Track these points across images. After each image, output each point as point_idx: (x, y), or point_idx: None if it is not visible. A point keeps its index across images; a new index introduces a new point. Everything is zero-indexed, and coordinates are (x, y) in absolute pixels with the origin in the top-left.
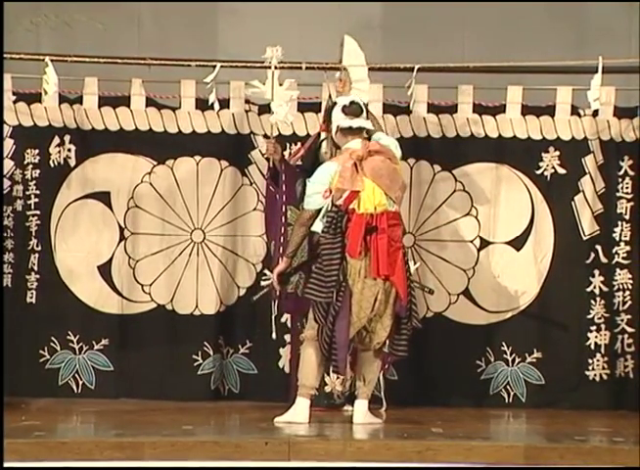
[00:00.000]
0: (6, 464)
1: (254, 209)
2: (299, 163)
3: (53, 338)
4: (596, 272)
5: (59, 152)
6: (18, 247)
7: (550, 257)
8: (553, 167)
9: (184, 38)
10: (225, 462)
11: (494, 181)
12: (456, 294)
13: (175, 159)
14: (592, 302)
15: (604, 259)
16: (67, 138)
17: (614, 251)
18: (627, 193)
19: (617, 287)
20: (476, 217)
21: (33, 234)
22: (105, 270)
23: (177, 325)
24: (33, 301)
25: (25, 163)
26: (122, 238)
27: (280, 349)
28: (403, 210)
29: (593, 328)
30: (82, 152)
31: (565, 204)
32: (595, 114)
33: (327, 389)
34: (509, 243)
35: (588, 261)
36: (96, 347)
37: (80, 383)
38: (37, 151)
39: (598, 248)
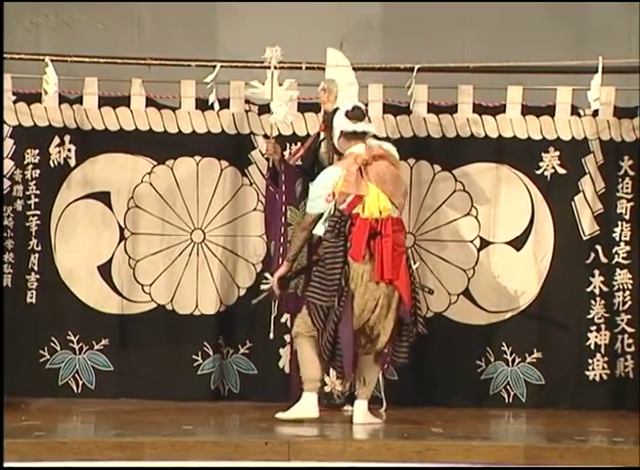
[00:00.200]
0: (6, 464)
1: (254, 209)
2: (299, 163)
3: (53, 338)
4: (596, 272)
5: (59, 152)
6: (18, 247)
7: (550, 257)
8: (553, 167)
9: (184, 38)
10: (225, 462)
11: (494, 181)
12: (456, 294)
13: (175, 159)
14: (592, 302)
15: (604, 259)
16: (67, 138)
17: (614, 251)
18: (627, 193)
19: (616, 287)
20: (476, 217)
21: (33, 234)
22: (105, 270)
23: (177, 325)
24: (33, 301)
25: (25, 163)
26: (122, 238)
27: (280, 349)
28: (403, 210)
29: (593, 328)
30: (82, 152)
31: (565, 204)
32: (595, 114)
33: (327, 389)
34: (509, 243)
35: (588, 261)
36: (96, 347)
37: (80, 383)
38: (37, 151)
39: (598, 248)
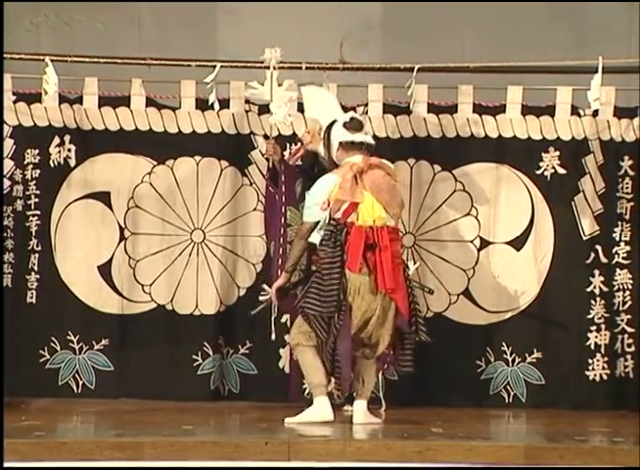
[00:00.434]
0: (6, 464)
1: (254, 209)
2: (299, 163)
3: (53, 338)
4: (596, 272)
5: (59, 152)
6: (18, 247)
7: (550, 257)
8: (553, 167)
9: (184, 38)
10: (225, 462)
11: (494, 181)
12: (456, 294)
13: (175, 159)
14: (592, 302)
15: (604, 259)
16: (67, 138)
17: (614, 251)
18: (627, 193)
19: (617, 287)
20: (476, 217)
21: (33, 234)
22: (105, 270)
23: (177, 325)
24: (33, 301)
25: (25, 163)
26: (122, 238)
27: (280, 349)
28: (403, 210)
29: (593, 328)
30: (82, 152)
31: (565, 204)
32: (595, 114)
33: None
34: (509, 243)
35: (588, 261)
36: (96, 347)
37: (80, 383)
38: (37, 151)
39: (598, 248)
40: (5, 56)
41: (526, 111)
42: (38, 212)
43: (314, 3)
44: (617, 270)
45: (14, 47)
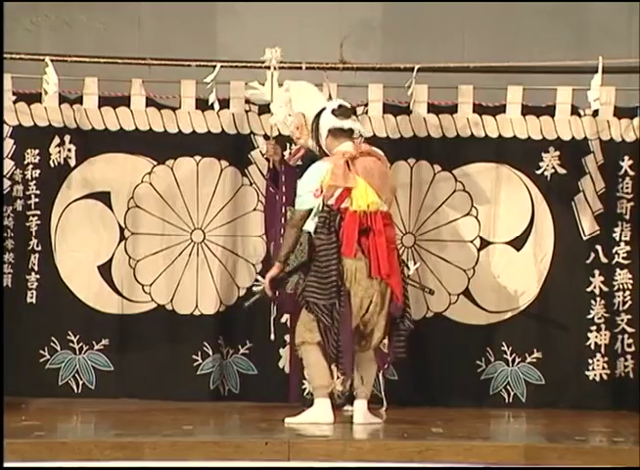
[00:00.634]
0: (6, 464)
1: (254, 209)
2: (299, 163)
3: (53, 338)
4: (596, 272)
5: (59, 152)
6: (18, 247)
7: (550, 257)
8: (553, 167)
9: (184, 38)
10: (225, 462)
11: (494, 181)
12: (456, 294)
13: (175, 159)
14: (592, 302)
15: (604, 259)
16: (67, 138)
17: (614, 251)
18: (627, 193)
19: (617, 287)
20: (476, 217)
21: (33, 234)
22: (105, 270)
23: (177, 325)
24: (33, 301)
25: (26, 163)
26: (122, 238)
27: (280, 349)
28: (403, 210)
29: (593, 328)
30: (82, 152)
31: (565, 204)
32: (595, 114)
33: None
34: (509, 243)
35: (588, 261)
36: (96, 347)
37: (80, 383)
38: (37, 151)
39: (598, 248)
40: (5, 56)
41: (527, 111)
42: (38, 212)
43: (314, 3)
44: (618, 270)
45: (14, 47)
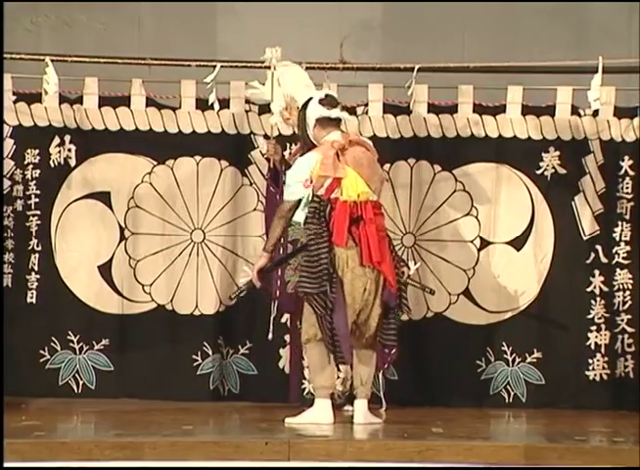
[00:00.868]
0: (6, 464)
1: (254, 209)
2: None
3: (53, 338)
4: (596, 272)
5: (59, 152)
6: (18, 247)
7: (550, 257)
8: (553, 167)
9: (184, 38)
10: (225, 462)
11: (494, 181)
12: (456, 294)
13: (175, 159)
14: (592, 302)
15: (604, 259)
16: (67, 138)
17: (614, 251)
18: (627, 193)
19: (617, 287)
20: (476, 217)
21: (33, 234)
22: (105, 270)
23: (177, 325)
24: (33, 301)
25: (26, 163)
26: (123, 238)
27: (280, 349)
28: (403, 210)
29: (593, 328)
30: (82, 152)
31: (565, 204)
32: (595, 114)
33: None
34: (509, 243)
35: (588, 261)
36: (96, 347)
37: (80, 383)
38: (37, 151)
39: (598, 248)
40: (5, 56)
41: (527, 111)
42: (38, 212)
43: (314, 3)
44: (618, 270)
45: (14, 47)
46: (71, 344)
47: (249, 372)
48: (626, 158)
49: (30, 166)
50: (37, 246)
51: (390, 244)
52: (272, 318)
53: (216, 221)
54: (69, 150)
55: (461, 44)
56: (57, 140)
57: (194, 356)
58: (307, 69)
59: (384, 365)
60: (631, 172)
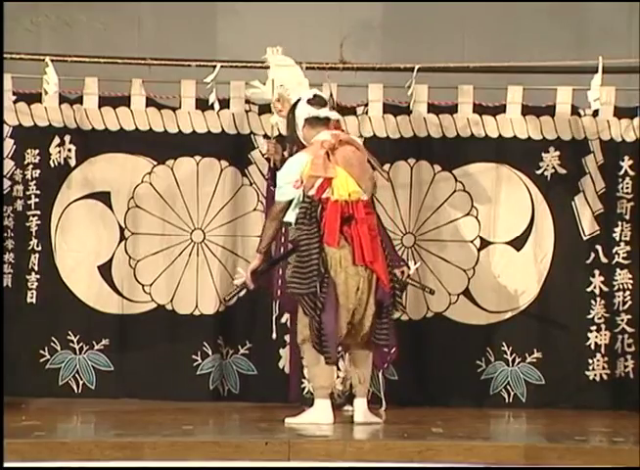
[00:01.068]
0: (6, 464)
1: (254, 209)
2: None
3: (53, 338)
4: (596, 272)
5: (59, 152)
6: (18, 247)
7: (550, 257)
8: (553, 167)
9: (184, 38)
10: (225, 462)
11: (494, 181)
12: (456, 294)
13: (175, 159)
14: (592, 302)
15: (604, 260)
16: (67, 138)
17: (614, 251)
18: (627, 193)
19: (617, 287)
20: (476, 217)
21: (33, 234)
22: (105, 270)
23: (177, 325)
24: (33, 301)
25: (26, 163)
26: (122, 238)
27: (280, 349)
28: (403, 210)
29: (593, 328)
30: (82, 152)
31: (565, 204)
32: (595, 114)
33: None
34: (509, 243)
35: (588, 261)
36: (96, 347)
37: (80, 383)
38: (37, 151)
39: (598, 248)
40: (5, 56)
41: (527, 111)
42: (38, 212)
43: (314, 3)
44: (618, 270)
45: (14, 47)
46: (71, 344)
47: (248, 372)
48: (626, 158)
49: (30, 166)
50: (37, 246)
51: (390, 242)
52: (274, 318)
53: (216, 221)
54: (69, 150)
55: (461, 44)
56: (57, 140)
57: (194, 356)
58: (307, 68)
59: (383, 365)
60: (631, 172)
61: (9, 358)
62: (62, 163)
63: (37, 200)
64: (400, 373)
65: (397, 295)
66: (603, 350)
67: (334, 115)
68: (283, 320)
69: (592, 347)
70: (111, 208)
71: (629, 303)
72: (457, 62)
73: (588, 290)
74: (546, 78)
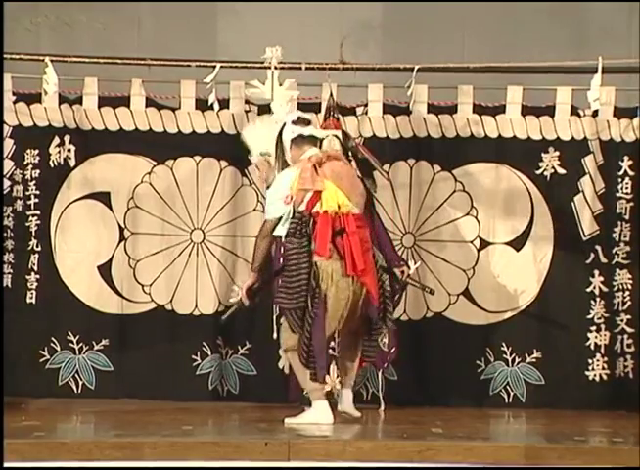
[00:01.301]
0: (6, 464)
1: (254, 209)
2: None
3: (53, 338)
4: (596, 272)
5: (59, 152)
6: (18, 247)
7: (550, 257)
8: (553, 168)
9: (184, 38)
10: (225, 462)
11: (494, 181)
12: (456, 294)
13: (175, 159)
14: (592, 302)
15: (604, 260)
16: (66, 138)
17: (613, 251)
18: (627, 193)
19: (616, 287)
20: (475, 217)
21: (33, 234)
22: (105, 270)
23: (177, 325)
24: (33, 301)
25: (25, 163)
26: (122, 238)
27: (279, 349)
28: (403, 210)
29: (593, 328)
30: (82, 152)
31: (565, 204)
32: (595, 114)
33: (327, 387)
34: (509, 243)
35: (588, 262)
36: (96, 347)
37: (80, 383)
38: (37, 151)
39: (598, 248)
40: (5, 56)
41: (526, 111)
42: (38, 213)
43: (314, 3)
44: (617, 270)
45: (14, 47)
46: (71, 344)
47: (248, 372)
48: (626, 158)
49: (30, 167)
50: (37, 246)
51: (390, 242)
52: (275, 318)
53: (216, 221)
54: (69, 150)
55: (461, 44)
56: (56, 140)
57: (193, 357)
58: (307, 68)
59: (383, 365)
60: (631, 173)
61: (9, 358)
62: (61, 163)
63: (37, 200)
64: (400, 373)
65: (388, 310)
66: (602, 350)
67: (319, 133)
68: (282, 321)
69: (592, 347)
70: (110, 208)
71: (629, 303)
72: (457, 62)
73: (588, 290)
74: (546, 78)
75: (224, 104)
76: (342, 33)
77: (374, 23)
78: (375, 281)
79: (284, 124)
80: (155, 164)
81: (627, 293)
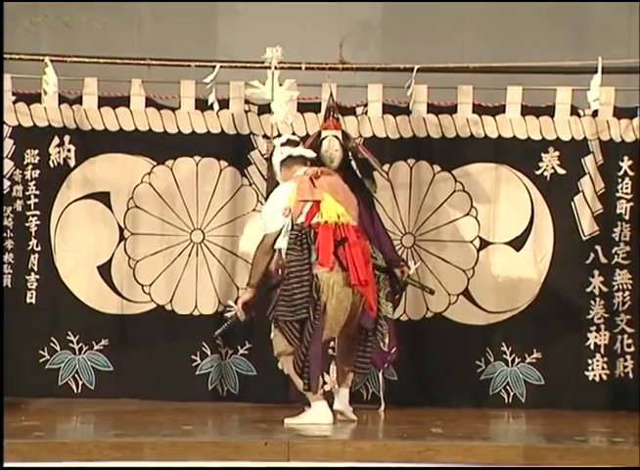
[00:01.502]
0: (6, 464)
1: (254, 209)
2: None
3: (53, 338)
4: (596, 272)
5: (58, 152)
6: (18, 247)
7: (550, 257)
8: (553, 168)
9: (184, 38)
10: (225, 462)
11: (494, 181)
12: (456, 294)
13: (175, 159)
14: (592, 302)
15: (604, 260)
16: (66, 138)
17: (613, 251)
18: (627, 193)
19: (616, 287)
20: (475, 218)
21: (33, 234)
22: (105, 270)
23: (176, 325)
24: (33, 301)
25: (25, 163)
26: (122, 238)
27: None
28: (403, 210)
29: (593, 328)
30: (82, 152)
31: (565, 204)
32: (595, 114)
33: (327, 387)
34: (509, 243)
35: (588, 262)
36: (96, 347)
37: (80, 383)
38: (37, 151)
39: (598, 248)
40: (5, 56)
41: (526, 111)
42: (38, 213)
43: (314, 3)
44: (617, 270)
45: (14, 47)
46: (71, 344)
47: (248, 372)
48: (626, 158)
49: (30, 167)
50: (37, 246)
51: (390, 242)
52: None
53: (216, 222)
54: (69, 150)
55: (461, 44)
56: (56, 140)
57: (193, 357)
58: (307, 68)
59: (383, 365)
60: (631, 173)
61: (9, 358)
62: (61, 163)
63: (37, 200)
64: (400, 373)
65: (380, 323)
66: (602, 350)
67: (308, 152)
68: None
69: (592, 347)
70: (110, 208)
71: (629, 303)
72: (457, 62)
73: (588, 290)
74: (546, 79)
75: (224, 104)
76: (342, 33)
77: (374, 23)
78: (374, 293)
79: (272, 151)
80: (154, 164)
81: (627, 293)
